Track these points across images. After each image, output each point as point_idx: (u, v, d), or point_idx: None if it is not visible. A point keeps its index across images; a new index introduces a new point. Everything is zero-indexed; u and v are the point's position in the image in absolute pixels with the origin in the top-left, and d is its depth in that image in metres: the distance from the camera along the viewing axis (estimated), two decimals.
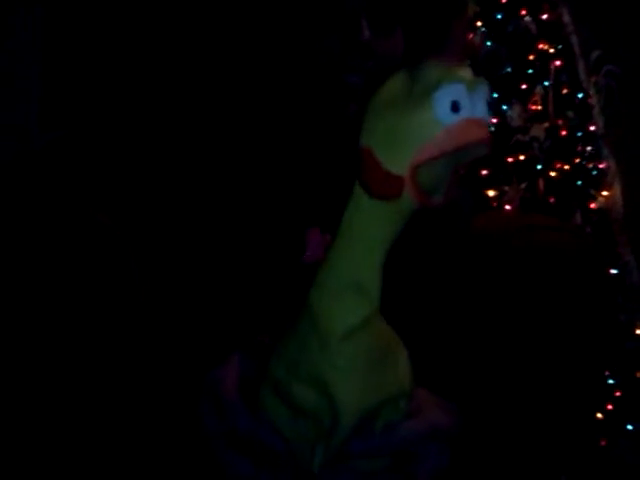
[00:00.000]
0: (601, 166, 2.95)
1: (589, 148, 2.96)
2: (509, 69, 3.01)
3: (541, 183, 2.88)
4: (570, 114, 2.98)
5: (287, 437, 1.29)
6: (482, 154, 1.16)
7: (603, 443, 2.56)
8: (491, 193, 2.85)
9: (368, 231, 1.24)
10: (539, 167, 2.89)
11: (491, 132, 1.14)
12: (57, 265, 1.78)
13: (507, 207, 2.81)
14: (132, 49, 2.24)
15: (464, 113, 1.12)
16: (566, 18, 3.08)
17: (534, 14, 3.04)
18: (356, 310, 1.25)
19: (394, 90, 1.18)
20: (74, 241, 1.80)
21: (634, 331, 2.77)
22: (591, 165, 2.94)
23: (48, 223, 1.84)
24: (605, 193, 2.93)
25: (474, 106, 1.13)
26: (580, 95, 3.01)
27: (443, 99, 1.11)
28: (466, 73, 1.15)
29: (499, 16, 3.05)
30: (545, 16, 3.04)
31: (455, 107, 1.11)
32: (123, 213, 1.92)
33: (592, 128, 2.98)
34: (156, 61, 2.20)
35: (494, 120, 1.16)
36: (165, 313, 1.77)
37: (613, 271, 2.81)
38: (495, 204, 2.83)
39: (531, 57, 3.01)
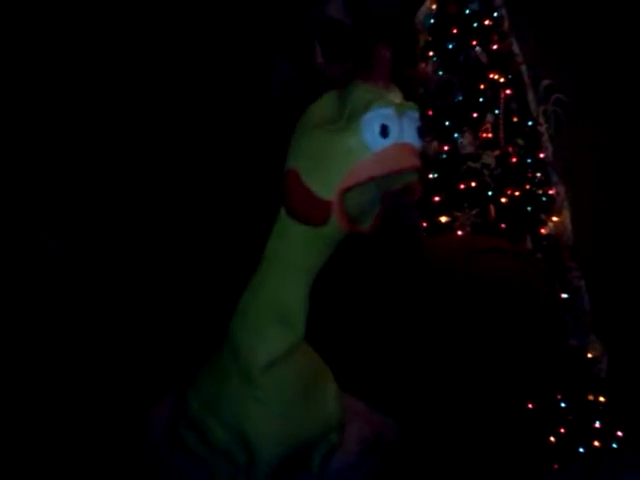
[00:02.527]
0: (551, 192, 2.99)
1: (539, 175, 3.00)
2: (460, 98, 3.05)
3: (492, 209, 2.91)
4: (520, 142, 3.02)
5: (210, 471, 1.25)
6: (411, 181, 1.16)
7: (555, 466, 2.57)
8: (443, 219, 2.88)
9: (293, 258, 1.20)
10: (490, 193, 2.92)
11: (421, 158, 1.13)
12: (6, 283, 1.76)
13: (459, 233, 2.84)
14: (75, 84, 2.25)
15: (393, 138, 1.11)
16: (516, 48, 3.13)
17: (485, 44, 3.10)
18: (279, 340, 1.20)
19: (323, 111, 1.16)
20: (22, 262, 1.79)
21: (585, 355, 2.80)
22: (541, 191, 2.98)
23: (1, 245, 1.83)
24: (555, 219, 2.96)
25: (403, 131, 1.11)
26: (530, 123, 3.05)
27: (372, 122, 1.10)
28: (396, 97, 1.14)
29: (450, 46, 3.10)
30: (495, 46, 3.10)
31: (384, 131, 1.09)
32: (71, 239, 1.91)
33: (542, 155, 3.02)
34: (101, 88, 2.20)
35: (422, 145, 1.15)
36: (106, 346, 1.76)
37: (564, 295, 2.84)
38: (447, 230, 2.86)
39: (482, 86, 3.06)
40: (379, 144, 1.12)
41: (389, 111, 1.12)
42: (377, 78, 1.14)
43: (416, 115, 1.14)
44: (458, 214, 2.89)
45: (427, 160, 2.95)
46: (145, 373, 1.64)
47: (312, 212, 1.13)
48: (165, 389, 1.44)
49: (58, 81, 2.29)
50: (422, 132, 1.14)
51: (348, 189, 1.14)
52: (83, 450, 1.56)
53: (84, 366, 1.67)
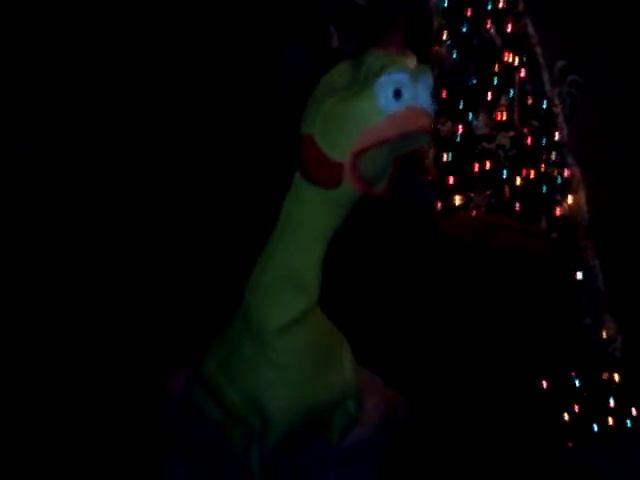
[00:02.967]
0: (566, 173, 2.99)
1: (554, 156, 3.00)
2: (475, 80, 3.05)
3: (507, 190, 2.91)
4: (535, 123, 3.02)
5: (225, 435, 1.28)
6: (424, 143, 1.19)
7: (569, 444, 2.58)
8: (458, 200, 2.88)
9: (308, 221, 1.24)
10: (505, 174, 2.92)
11: (433, 122, 1.15)
12: (22, 265, 1.80)
13: (473, 213, 2.84)
14: (88, 67, 2.27)
15: (406, 101, 1.14)
16: (530, 30, 3.13)
17: (499, 26, 3.09)
18: (293, 304, 1.24)
19: (338, 78, 1.19)
20: (37, 244, 1.83)
21: (600, 334, 2.80)
22: (556, 172, 2.99)
23: (16, 226, 1.87)
24: (570, 199, 2.96)
25: (416, 94, 1.14)
26: (544, 104, 3.05)
27: (386, 86, 1.13)
28: (410, 61, 1.16)
29: (465, 29, 3.10)
30: (510, 28, 3.10)
31: (397, 94, 1.12)
32: (86, 220, 1.95)
33: (556, 136, 3.02)
34: (112, 74, 2.23)
35: (434, 110, 1.18)
36: (126, 314, 1.79)
37: (578, 275, 2.84)
38: (462, 211, 2.86)
39: (496, 68, 3.06)
40: (392, 106, 1.14)
41: (403, 76, 1.14)
42: (390, 45, 1.16)
43: (430, 80, 1.16)
44: (473, 195, 2.89)
45: (441, 141, 2.96)
46: (161, 343, 1.68)
47: (325, 174, 1.16)
48: (181, 359, 1.47)
49: (76, 71, 2.32)
50: (435, 97, 1.16)
51: (361, 151, 1.16)
52: (102, 416, 1.60)
53: (101, 337, 1.71)
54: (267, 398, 1.23)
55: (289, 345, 1.25)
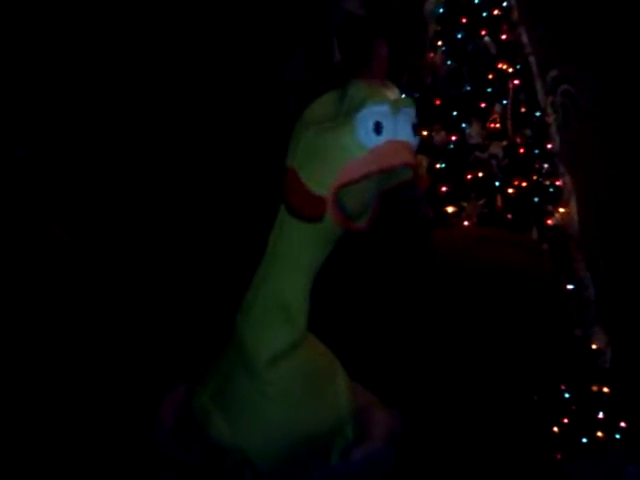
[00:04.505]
0: (558, 183, 2.99)
1: (546, 165, 3.00)
2: (469, 88, 3.05)
3: (499, 199, 2.91)
4: (528, 132, 3.02)
5: (213, 463, 1.26)
6: (406, 178, 1.17)
7: (558, 456, 2.58)
8: (450, 209, 2.87)
9: (293, 254, 1.22)
10: (497, 184, 2.92)
11: (415, 155, 1.13)
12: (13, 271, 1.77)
13: (466, 223, 2.84)
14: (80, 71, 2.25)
15: (387, 135, 1.12)
16: (524, 39, 3.12)
17: (494, 34, 3.09)
18: (282, 336, 1.23)
19: (323, 109, 1.17)
20: (30, 249, 1.80)
21: (590, 345, 2.80)
22: (548, 182, 2.98)
23: (8, 232, 1.84)
24: (561, 210, 2.96)
25: (397, 128, 1.12)
26: (537, 114, 3.05)
27: (366, 120, 1.11)
28: (392, 94, 1.15)
29: (460, 36, 3.09)
30: (504, 36, 3.09)
31: (378, 128, 1.10)
32: (79, 225, 1.92)
33: (549, 146, 3.02)
34: (105, 77, 2.20)
35: (417, 142, 1.16)
36: (119, 332, 1.77)
37: (569, 286, 2.84)
38: (454, 220, 2.86)
39: (490, 76, 3.05)
40: (373, 141, 1.13)
41: (383, 108, 1.12)
42: (373, 75, 1.16)
43: (412, 112, 1.14)
44: (465, 204, 2.89)
45: (435, 150, 2.95)
46: (155, 366, 1.66)
47: (307, 208, 1.14)
48: (175, 382, 1.45)
49: (69, 74, 2.29)
50: (417, 129, 1.14)
51: (342, 186, 1.14)
52: (90, 441, 1.58)
53: (93, 359, 1.69)
54: (250, 440, 1.21)
55: (282, 377, 1.23)
